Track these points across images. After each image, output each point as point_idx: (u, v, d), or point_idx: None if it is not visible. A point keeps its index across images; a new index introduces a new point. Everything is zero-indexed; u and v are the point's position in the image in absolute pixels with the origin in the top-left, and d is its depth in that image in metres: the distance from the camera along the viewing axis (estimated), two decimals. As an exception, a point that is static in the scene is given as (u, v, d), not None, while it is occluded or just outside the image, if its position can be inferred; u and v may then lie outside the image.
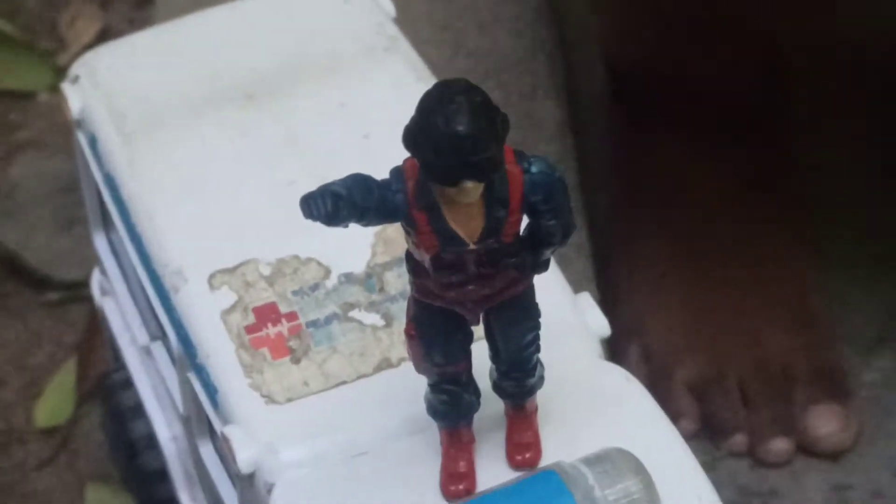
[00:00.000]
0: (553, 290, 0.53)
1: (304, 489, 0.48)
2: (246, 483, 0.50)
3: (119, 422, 0.67)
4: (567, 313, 0.53)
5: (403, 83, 0.58)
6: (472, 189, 0.39)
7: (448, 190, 0.39)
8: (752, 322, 0.85)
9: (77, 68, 0.61)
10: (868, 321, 0.90)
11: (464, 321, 0.44)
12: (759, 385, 0.83)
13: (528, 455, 0.48)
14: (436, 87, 0.39)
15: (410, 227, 0.41)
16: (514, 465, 0.48)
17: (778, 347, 0.84)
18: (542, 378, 0.47)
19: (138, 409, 0.65)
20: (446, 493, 0.47)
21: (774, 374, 0.83)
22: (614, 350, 0.85)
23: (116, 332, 0.65)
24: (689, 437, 0.82)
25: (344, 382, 0.51)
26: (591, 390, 0.51)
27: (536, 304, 0.45)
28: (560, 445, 0.48)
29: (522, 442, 0.48)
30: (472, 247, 0.41)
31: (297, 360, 0.51)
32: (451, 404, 0.46)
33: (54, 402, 0.91)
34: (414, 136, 0.39)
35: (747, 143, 0.88)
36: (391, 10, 0.63)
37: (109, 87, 0.60)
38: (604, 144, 0.93)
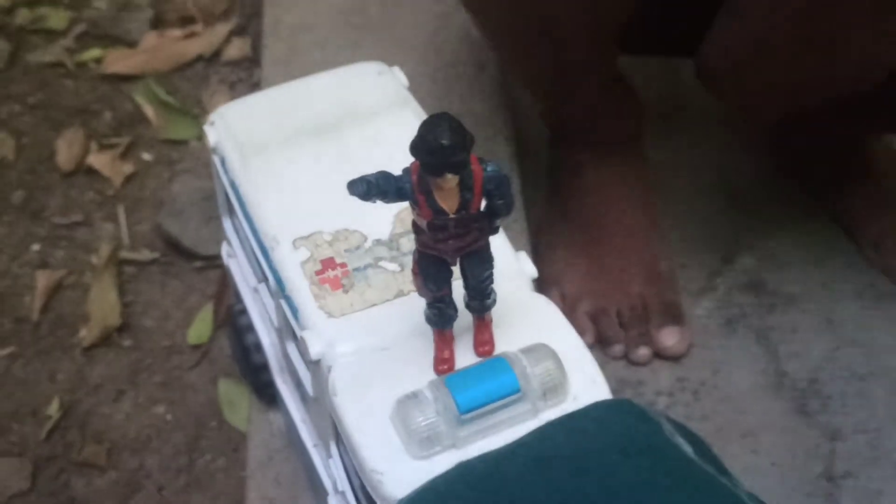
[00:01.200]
0: (503, 249, 0.57)
1: (351, 370, 0.52)
2: (315, 367, 0.54)
3: (239, 334, 0.70)
4: (511, 263, 0.57)
5: (411, 125, 0.60)
6: (451, 179, 0.43)
7: (437, 180, 0.43)
8: (624, 276, 0.88)
9: (213, 116, 0.64)
10: (697, 275, 0.93)
11: (447, 263, 0.48)
12: (630, 315, 0.87)
13: (486, 347, 0.52)
14: (430, 117, 0.44)
15: (414, 204, 0.45)
16: (478, 354, 0.52)
17: (640, 292, 0.87)
18: (495, 300, 0.51)
19: (250, 327, 0.69)
20: (437, 370, 0.51)
21: (638, 309, 0.87)
22: (542, 292, 0.91)
23: (237, 279, 0.68)
24: (587, 347, 0.88)
25: (375, 304, 0.55)
26: (525, 309, 0.55)
27: (491, 254, 0.49)
28: (507, 342, 0.52)
29: (483, 339, 0.52)
30: (451, 216, 0.45)
31: (346, 292, 0.55)
32: (440, 315, 0.50)
33: (200, 329, 0.96)
34: (416, 146, 0.43)
35: (621, 159, 0.90)
36: (405, 80, 0.67)
37: (232, 127, 0.63)
38: (546, 166, 0.95)
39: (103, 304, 0.98)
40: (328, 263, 0.56)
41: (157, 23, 1.24)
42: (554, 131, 0.94)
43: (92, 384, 0.95)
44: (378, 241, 0.58)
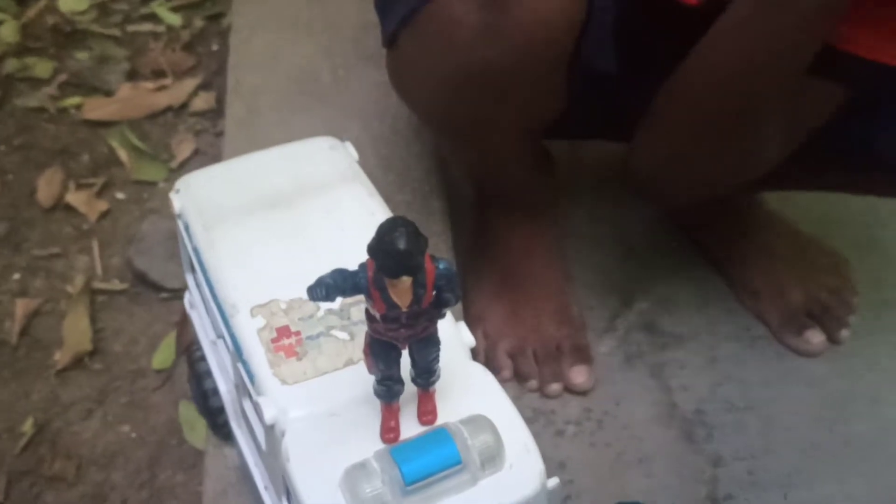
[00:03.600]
0: (445, 322, 0.49)
1: (303, 436, 0.47)
2: (269, 430, 0.48)
3: (198, 379, 0.64)
4: (452, 334, 0.51)
5: (361, 198, 0.57)
6: (406, 280, 0.38)
7: (392, 280, 0.38)
8: (540, 321, 0.83)
9: (178, 184, 0.58)
10: (600, 317, 0.89)
11: (396, 347, 0.43)
12: (544, 354, 0.82)
13: (429, 417, 0.47)
14: (387, 221, 0.38)
15: (369, 298, 0.40)
16: (422, 422, 0.47)
17: (554, 334, 0.83)
18: (439, 376, 0.46)
19: (209, 372, 0.62)
20: (384, 439, 0.46)
21: (552, 349, 0.82)
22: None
23: (197, 329, 0.62)
24: (506, 381, 0.83)
25: (326, 372, 0.49)
26: (464, 378, 0.49)
27: (438, 338, 0.44)
28: (448, 411, 0.47)
29: (427, 409, 0.47)
30: (404, 310, 0.40)
31: (300, 359, 0.49)
32: (388, 391, 0.45)
33: (164, 354, 0.89)
34: (373, 249, 0.38)
35: (538, 222, 0.86)
36: (355, 155, 0.61)
37: (195, 196, 0.57)
38: (471, 223, 0.90)
39: (76, 330, 0.90)
40: (283, 332, 0.50)
41: (132, 75, 1.16)
42: (479, 196, 0.89)
43: (64, 404, 0.87)
44: (330, 311, 0.51)
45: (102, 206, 1.01)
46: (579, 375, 0.81)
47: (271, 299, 0.51)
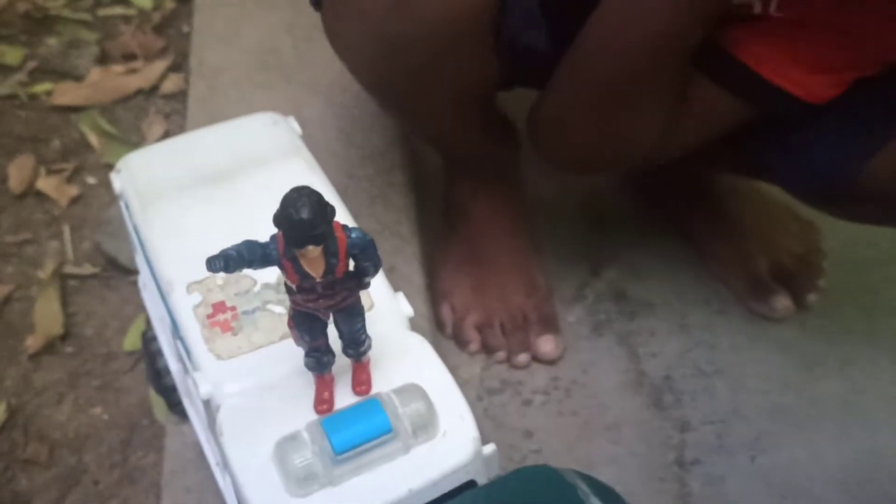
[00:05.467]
0: (382, 290, 0.51)
1: (237, 410, 0.46)
2: (205, 405, 0.48)
3: (151, 358, 0.63)
4: (390, 304, 0.51)
5: (300, 172, 0.57)
6: (314, 250, 0.37)
7: (299, 251, 0.38)
8: (506, 291, 0.83)
9: (119, 164, 0.57)
10: (569, 286, 0.89)
11: (319, 318, 0.42)
12: (511, 325, 0.83)
13: (363, 387, 0.47)
14: (291, 191, 0.37)
15: (282, 269, 0.39)
16: (356, 393, 0.47)
17: (521, 305, 0.83)
18: (369, 346, 0.45)
19: (161, 352, 0.62)
20: (317, 410, 0.46)
21: (519, 320, 0.83)
22: (434, 305, 0.86)
23: (148, 308, 0.62)
24: (474, 354, 0.84)
25: (262, 346, 0.49)
26: (401, 348, 0.49)
27: (362, 307, 0.43)
28: (383, 381, 0.47)
29: (361, 380, 0.47)
30: (318, 280, 0.39)
31: (235, 334, 0.49)
32: (317, 363, 0.45)
33: (134, 337, 0.87)
34: (278, 219, 0.37)
35: (502, 190, 0.85)
36: (298, 130, 0.60)
37: (135, 175, 0.57)
38: (442, 192, 0.89)
39: (47, 315, 0.90)
40: (219, 307, 0.50)
41: (102, 59, 1.15)
42: (445, 169, 0.89)
43: (36, 388, 0.87)
44: (266, 285, 0.51)
45: (73, 191, 1.01)
46: (546, 344, 0.81)
47: (208, 275, 0.51)
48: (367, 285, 0.43)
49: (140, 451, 0.82)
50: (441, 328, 0.84)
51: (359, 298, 0.43)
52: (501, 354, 0.82)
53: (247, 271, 0.49)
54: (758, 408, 0.81)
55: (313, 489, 0.44)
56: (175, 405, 0.63)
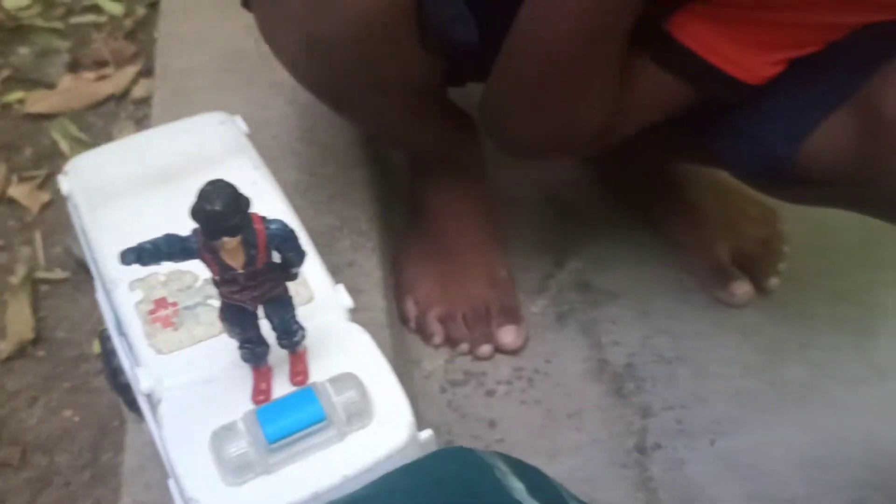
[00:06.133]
0: (322, 282, 0.52)
1: (176, 403, 0.47)
2: (146, 399, 0.49)
3: (107, 357, 0.64)
4: (329, 295, 0.51)
5: (245, 170, 0.57)
6: (230, 241, 0.38)
7: (215, 242, 0.38)
8: (468, 284, 0.84)
9: (67, 166, 0.58)
10: (533, 278, 0.89)
11: (248, 310, 0.43)
12: (473, 317, 0.83)
13: (300, 378, 0.47)
14: (206, 184, 0.38)
15: (204, 262, 0.40)
16: (294, 383, 0.47)
17: (483, 297, 0.83)
18: (303, 336, 0.46)
19: (115, 351, 0.61)
20: (255, 401, 0.46)
21: (481, 311, 0.83)
22: (398, 299, 0.86)
23: (102, 308, 0.62)
24: (438, 347, 0.84)
25: (203, 340, 0.49)
26: (340, 339, 0.50)
27: (290, 297, 0.44)
28: (321, 371, 0.47)
29: (298, 370, 0.47)
30: (240, 271, 0.40)
31: (176, 329, 0.49)
32: (251, 354, 0.45)
33: None
34: (194, 213, 0.38)
35: (464, 185, 0.86)
36: (245, 128, 0.61)
37: (83, 176, 0.57)
38: (407, 187, 0.90)
39: (19, 319, 0.91)
40: (161, 303, 0.51)
41: (74, 66, 1.17)
42: (409, 164, 0.89)
43: (9, 392, 0.88)
44: (208, 281, 0.50)
45: (45, 197, 1.02)
46: (508, 335, 0.82)
47: (150, 273, 0.52)
48: (294, 276, 0.43)
49: (111, 452, 0.83)
50: (405, 322, 0.85)
51: (286, 289, 0.44)
52: (464, 346, 0.83)
53: (189, 267, 0.50)
54: (719, 392, 0.81)
55: (248, 478, 0.44)
56: (131, 403, 0.64)
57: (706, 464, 0.77)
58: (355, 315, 0.73)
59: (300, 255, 0.42)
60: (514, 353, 0.83)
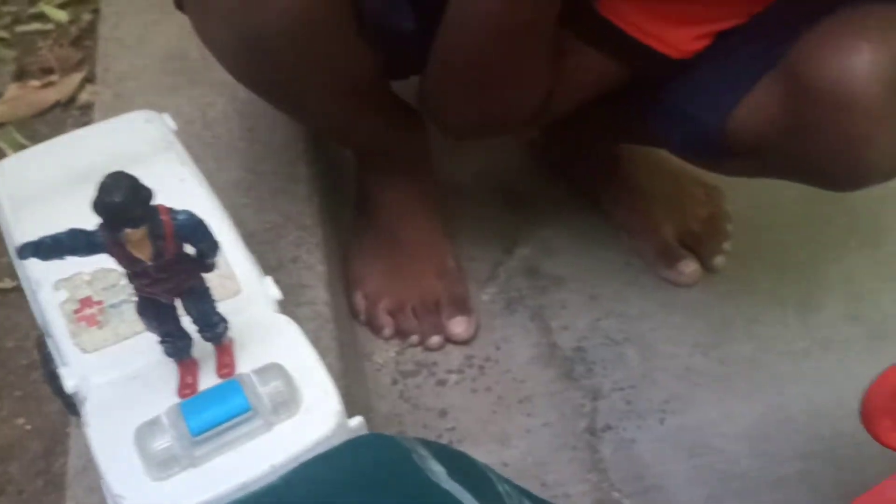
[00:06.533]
0: (250, 275, 0.52)
1: (101, 401, 0.47)
2: (73, 397, 0.49)
3: (45, 360, 0.63)
4: (257, 288, 0.52)
5: (172, 166, 0.57)
6: (133, 233, 0.38)
7: (118, 234, 0.38)
8: (417, 275, 0.84)
9: None
10: (483, 266, 0.90)
11: (164, 303, 0.43)
12: (423, 309, 0.83)
13: (227, 370, 0.47)
14: (106, 177, 0.38)
15: (111, 256, 0.40)
16: (220, 376, 0.47)
17: (432, 288, 0.83)
18: (225, 329, 0.46)
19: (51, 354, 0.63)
20: (181, 395, 0.46)
21: (430, 303, 0.83)
22: (348, 293, 0.86)
23: (33, 312, 0.62)
24: (388, 339, 0.84)
25: (128, 337, 0.49)
26: (268, 330, 0.50)
27: (207, 289, 0.44)
28: (249, 363, 0.47)
29: (224, 362, 0.47)
30: (149, 263, 0.40)
31: (101, 328, 0.49)
32: (173, 348, 0.45)
33: None
34: (96, 205, 0.38)
35: (412, 177, 0.85)
36: (173, 125, 0.61)
37: (9, 179, 0.57)
38: (355, 181, 0.89)
39: (-32, 330, 0.90)
40: (86, 302, 0.51)
41: (20, 75, 1.15)
42: (356, 155, 0.89)
43: (-40, 403, 0.87)
44: (133, 278, 0.51)
45: (-8, 206, 1.01)
46: (457, 326, 0.82)
47: (75, 272, 0.52)
48: (210, 267, 0.43)
49: (63, 458, 0.82)
50: (355, 315, 0.84)
51: (202, 280, 0.43)
52: (415, 338, 0.83)
53: (115, 265, 0.50)
54: (667, 371, 0.82)
55: (174, 471, 0.44)
56: (70, 405, 0.63)
57: (656, 442, 0.77)
58: (299, 309, 0.74)
59: (212, 246, 0.42)
60: (464, 343, 0.83)
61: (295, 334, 0.50)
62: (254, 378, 0.46)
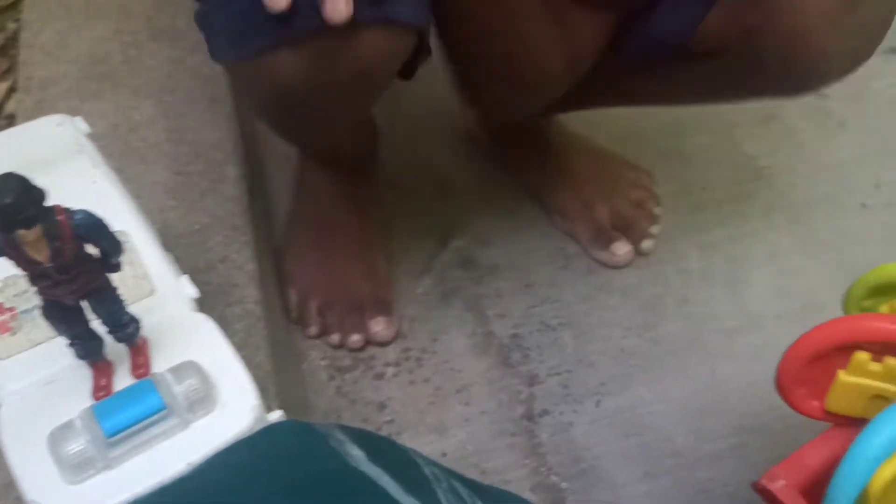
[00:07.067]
0: (165, 274, 0.51)
1: (16, 408, 0.46)
2: None
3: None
4: (173, 287, 0.51)
5: (84, 169, 0.56)
6: (28, 234, 0.37)
7: (11, 235, 0.37)
8: (345, 276, 0.84)
9: None
10: (418, 259, 0.90)
11: (69, 305, 0.42)
12: (348, 309, 0.83)
13: (142, 370, 0.46)
14: None
15: (9, 259, 0.39)
16: (136, 377, 0.46)
17: (359, 289, 0.83)
18: (137, 329, 0.45)
19: None
20: (95, 398, 0.45)
21: (354, 303, 0.83)
22: (282, 290, 0.86)
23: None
24: (315, 337, 0.83)
25: (42, 343, 0.48)
26: (184, 329, 0.49)
27: (114, 289, 0.43)
28: (164, 362, 0.46)
29: (139, 363, 0.46)
30: (48, 265, 0.39)
31: (14, 334, 0.48)
32: (83, 350, 0.45)
33: None
34: (-12, 206, 0.36)
35: (355, 179, 0.86)
36: (86, 128, 0.59)
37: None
38: (294, 179, 0.89)
39: None
40: (-4, 309, 0.49)
41: (-56, 87, 1.13)
42: (301, 156, 0.89)
43: None
44: (46, 283, 0.50)
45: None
46: (377, 325, 0.82)
47: (-15, 280, 0.50)
48: (116, 267, 0.43)
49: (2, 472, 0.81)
50: (288, 312, 0.84)
51: (108, 281, 0.43)
52: (335, 337, 0.83)
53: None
54: (603, 354, 0.83)
55: (89, 474, 0.44)
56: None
57: (592, 424, 0.78)
58: (230, 309, 0.73)
59: (114, 245, 0.41)
60: (384, 344, 0.83)
61: (212, 332, 0.50)
62: (168, 377, 0.45)
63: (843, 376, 0.52)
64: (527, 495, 0.73)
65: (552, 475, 0.75)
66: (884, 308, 0.55)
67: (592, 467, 0.76)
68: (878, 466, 0.45)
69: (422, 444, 0.76)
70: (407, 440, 0.76)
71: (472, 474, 0.72)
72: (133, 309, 0.48)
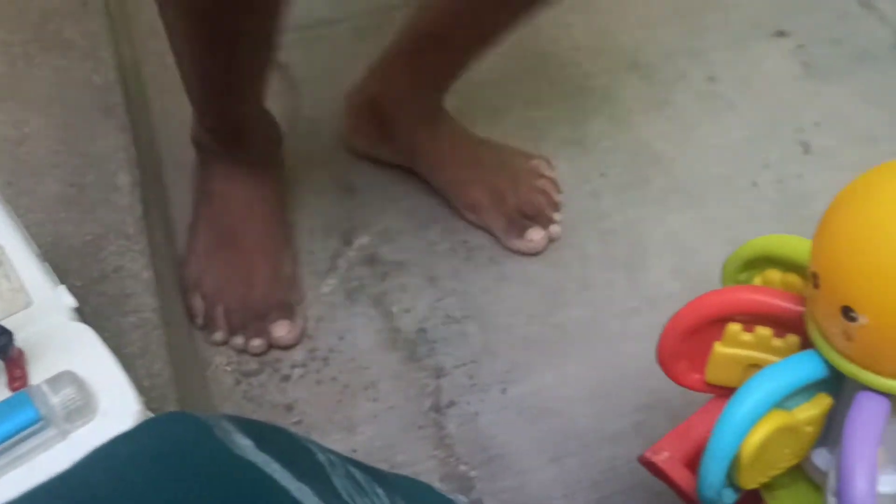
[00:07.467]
0: (42, 284, 0.50)
1: None
2: None
3: None
4: (50, 298, 0.50)
5: None
6: None
7: None
8: (251, 281, 0.83)
9: None
10: (322, 259, 0.90)
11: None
12: (252, 313, 0.82)
13: (18, 383, 0.46)
14: None
15: None
16: (12, 390, 0.46)
17: (262, 293, 0.83)
18: (9, 340, 0.45)
19: None
20: None
21: (258, 307, 0.82)
22: (185, 297, 0.85)
23: None
24: (221, 343, 0.83)
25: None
26: (63, 340, 0.49)
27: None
28: (43, 373, 0.46)
29: (14, 376, 0.46)
30: None
31: None
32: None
33: None
34: None
35: (260, 180, 0.86)
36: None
37: None
38: (195, 181, 0.89)
39: None
40: None
41: None
42: (199, 152, 0.88)
43: None
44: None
45: None
46: (279, 329, 0.82)
47: None
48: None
49: None
50: (192, 318, 0.83)
51: (-29, 294, 0.42)
52: (238, 340, 0.82)
53: None
54: (507, 343, 0.84)
55: (-35, 493, 0.43)
56: None
57: (498, 413, 0.79)
58: (125, 319, 0.72)
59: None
60: (287, 347, 0.83)
61: (91, 341, 0.49)
62: (44, 388, 0.45)
63: (719, 348, 0.54)
64: (437, 485, 0.74)
65: (461, 464, 0.76)
66: (757, 280, 0.57)
67: (500, 454, 0.77)
68: (746, 433, 0.47)
69: (331, 442, 0.76)
70: (316, 439, 0.75)
71: (382, 468, 0.73)
72: (10, 321, 0.47)
